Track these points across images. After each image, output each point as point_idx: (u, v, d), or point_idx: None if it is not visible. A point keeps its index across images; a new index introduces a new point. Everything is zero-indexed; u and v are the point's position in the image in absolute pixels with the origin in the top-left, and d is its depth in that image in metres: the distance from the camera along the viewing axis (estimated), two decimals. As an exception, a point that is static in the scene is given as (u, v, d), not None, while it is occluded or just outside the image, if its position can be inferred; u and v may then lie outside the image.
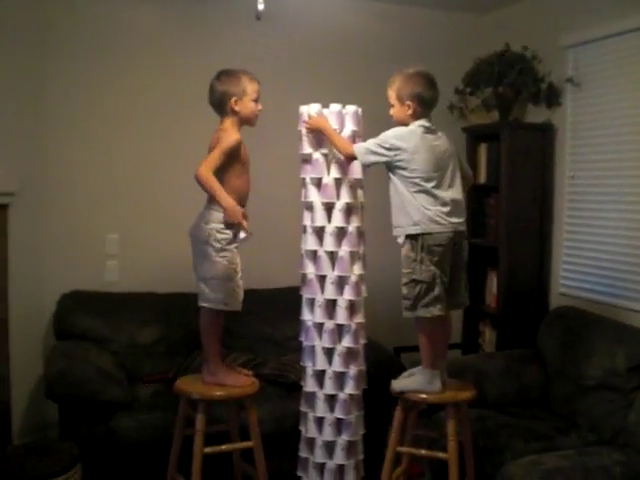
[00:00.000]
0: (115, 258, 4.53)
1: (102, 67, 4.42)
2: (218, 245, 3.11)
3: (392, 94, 3.16)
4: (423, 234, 3.04)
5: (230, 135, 3.12)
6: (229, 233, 3.12)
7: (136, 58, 4.50)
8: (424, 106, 3.13)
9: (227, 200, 3.06)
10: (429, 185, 3.05)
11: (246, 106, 3.17)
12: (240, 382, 3.23)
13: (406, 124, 3.15)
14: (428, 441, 3.58)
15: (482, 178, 4.69)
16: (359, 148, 3.13)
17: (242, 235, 3.11)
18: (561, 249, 4.46)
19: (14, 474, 3.12)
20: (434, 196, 3.06)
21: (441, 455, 3.16)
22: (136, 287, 4.45)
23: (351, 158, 3.17)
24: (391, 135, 3.09)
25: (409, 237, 3.07)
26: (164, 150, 4.46)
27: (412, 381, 3.18)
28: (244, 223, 3.08)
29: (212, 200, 3.13)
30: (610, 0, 4.04)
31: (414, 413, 3.43)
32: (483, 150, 4.71)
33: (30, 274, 4.21)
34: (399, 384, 3.20)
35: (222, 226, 3.11)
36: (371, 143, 3.11)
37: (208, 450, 3.11)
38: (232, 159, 3.12)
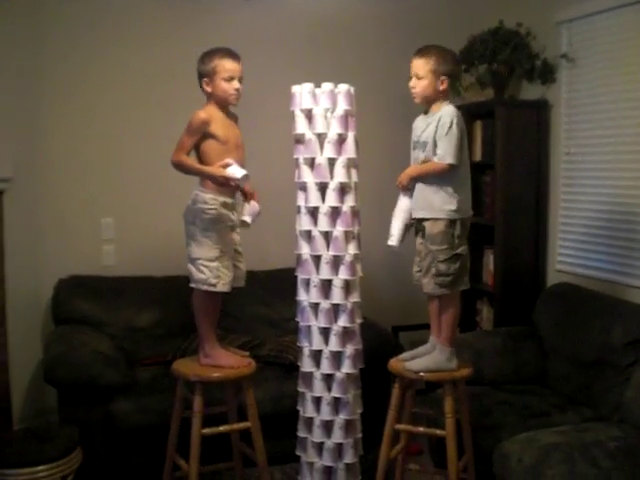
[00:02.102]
0: (111, 242, 4.54)
1: (96, 52, 4.41)
2: (202, 225, 3.11)
3: (425, 66, 3.05)
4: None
5: (196, 113, 3.11)
6: (213, 213, 3.11)
7: (129, 41, 4.48)
8: (453, 84, 3.14)
9: (206, 170, 3.08)
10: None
11: (217, 86, 3.12)
12: (236, 363, 3.24)
13: (430, 99, 3.10)
14: (426, 419, 3.60)
15: (478, 156, 4.67)
16: (443, 157, 3.00)
17: (239, 175, 3.02)
18: (557, 226, 4.46)
19: (14, 459, 3.14)
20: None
21: (439, 432, 3.18)
22: (133, 271, 4.46)
23: (445, 169, 3.03)
24: (453, 120, 3.01)
25: None
26: (158, 132, 4.44)
27: (431, 360, 3.18)
28: (228, 173, 3.03)
29: (203, 184, 3.15)
30: (604, -26, 4.02)
31: (412, 391, 3.44)
32: (478, 128, 4.69)
33: (27, 260, 4.22)
34: (418, 364, 3.17)
35: (207, 206, 3.11)
36: (446, 142, 3.00)
37: (206, 432, 3.13)
38: (207, 139, 3.12)
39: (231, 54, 3.14)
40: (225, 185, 3.07)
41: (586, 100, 4.23)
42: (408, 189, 3.17)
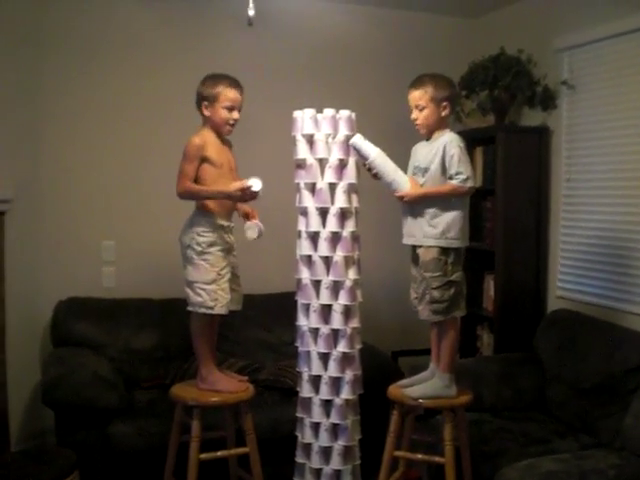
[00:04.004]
0: (112, 264, 4.54)
1: (97, 75, 4.43)
2: (199, 248, 3.13)
3: (424, 96, 3.09)
4: None
5: (190, 139, 3.14)
6: (209, 236, 3.13)
7: (131, 65, 4.51)
8: (453, 107, 3.17)
9: (219, 192, 3.12)
10: None
11: (216, 112, 3.15)
12: (233, 387, 3.23)
13: (434, 126, 3.13)
14: (425, 445, 3.58)
15: (478, 181, 4.66)
16: (466, 180, 3.02)
17: (257, 187, 3.07)
18: (558, 252, 4.46)
19: (11, 481, 3.13)
20: None
21: (438, 459, 3.16)
22: (133, 293, 4.45)
23: (469, 192, 3.06)
24: (461, 146, 3.05)
25: None
26: (159, 156, 4.46)
27: (429, 387, 3.17)
28: (245, 184, 3.07)
29: (199, 207, 3.17)
30: (605, 2, 4.04)
31: (411, 417, 3.43)
32: (479, 154, 4.70)
33: (27, 281, 4.22)
34: (417, 391, 3.16)
35: (202, 229, 3.13)
36: (463, 166, 3.02)
37: (204, 456, 3.11)
38: (202, 163, 3.14)
39: (236, 84, 3.17)
40: (242, 200, 3.12)
41: (586, 127, 4.25)
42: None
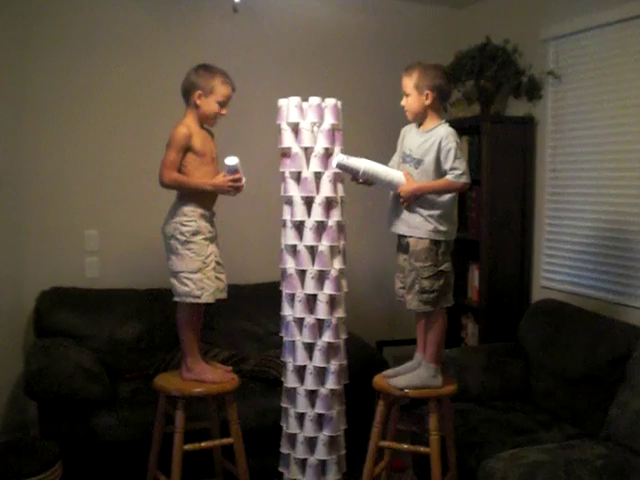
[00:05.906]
0: (95, 254, 4.49)
1: (79, 63, 4.37)
2: (182, 238, 3.12)
3: (409, 83, 3.09)
4: None
5: (177, 129, 3.14)
6: (192, 225, 3.13)
7: (114, 51, 4.44)
8: (441, 99, 3.14)
9: (204, 184, 3.15)
10: None
11: (209, 104, 3.17)
12: (219, 378, 3.22)
13: (419, 114, 3.12)
14: (410, 435, 3.58)
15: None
16: (461, 175, 3.02)
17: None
18: (542, 242, 4.46)
19: (-7, 473, 3.10)
20: None
21: (423, 449, 3.16)
22: (117, 283, 4.42)
23: (463, 187, 3.06)
24: (457, 142, 3.06)
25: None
26: (143, 145, 4.42)
27: (416, 377, 3.17)
28: (234, 183, 3.15)
29: (181, 197, 3.18)
30: (590, -8, 4.05)
31: (396, 407, 3.42)
32: (464, 143, 4.66)
33: (9, 271, 4.17)
34: (403, 381, 3.16)
35: (185, 219, 3.13)
36: (458, 162, 3.02)
37: (188, 447, 3.10)
38: (186, 152, 3.14)
39: (230, 80, 3.20)
40: (232, 188, 3.16)
41: (572, 117, 4.25)
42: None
